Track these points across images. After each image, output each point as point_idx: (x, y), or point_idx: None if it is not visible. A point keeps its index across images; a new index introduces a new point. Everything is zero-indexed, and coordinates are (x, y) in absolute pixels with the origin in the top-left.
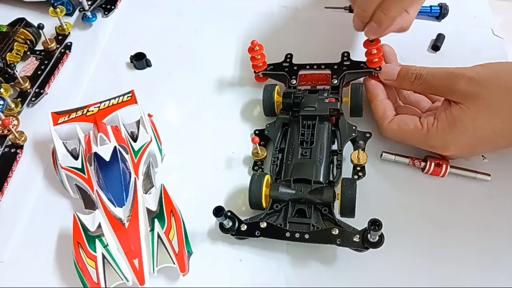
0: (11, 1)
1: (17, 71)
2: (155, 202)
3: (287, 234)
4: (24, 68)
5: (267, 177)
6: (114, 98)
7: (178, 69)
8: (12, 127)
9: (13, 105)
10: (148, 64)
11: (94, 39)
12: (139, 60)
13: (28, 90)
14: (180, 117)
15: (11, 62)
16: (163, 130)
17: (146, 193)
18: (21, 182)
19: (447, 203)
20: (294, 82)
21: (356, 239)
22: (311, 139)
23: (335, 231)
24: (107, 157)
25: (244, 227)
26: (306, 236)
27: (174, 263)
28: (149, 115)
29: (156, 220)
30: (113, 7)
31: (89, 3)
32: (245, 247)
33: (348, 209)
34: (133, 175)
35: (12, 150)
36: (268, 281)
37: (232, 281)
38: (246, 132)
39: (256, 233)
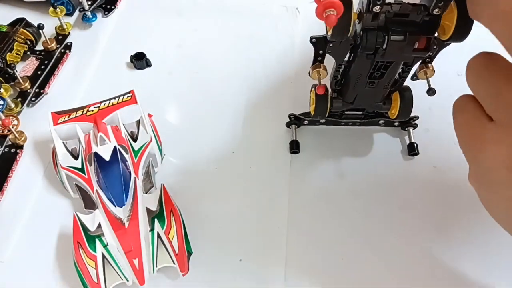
0: (11, 1)
1: (17, 71)
2: (155, 202)
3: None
4: (24, 68)
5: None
6: (114, 98)
7: (178, 69)
8: (12, 127)
9: (13, 105)
10: (148, 64)
11: (94, 39)
12: (139, 60)
13: (28, 90)
14: (180, 117)
15: (11, 62)
16: (163, 130)
17: (146, 193)
18: (21, 182)
19: (447, 203)
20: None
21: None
22: (382, 71)
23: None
24: (107, 157)
25: (306, 122)
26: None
27: (174, 263)
28: (149, 115)
29: (156, 220)
30: (113, 7)
31: (89, 3)
32: (245, 247)
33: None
34: (133, 175)
35: (12, 150)
36: (268, 281)
37: (232, 281)
38: (246, 132)
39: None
